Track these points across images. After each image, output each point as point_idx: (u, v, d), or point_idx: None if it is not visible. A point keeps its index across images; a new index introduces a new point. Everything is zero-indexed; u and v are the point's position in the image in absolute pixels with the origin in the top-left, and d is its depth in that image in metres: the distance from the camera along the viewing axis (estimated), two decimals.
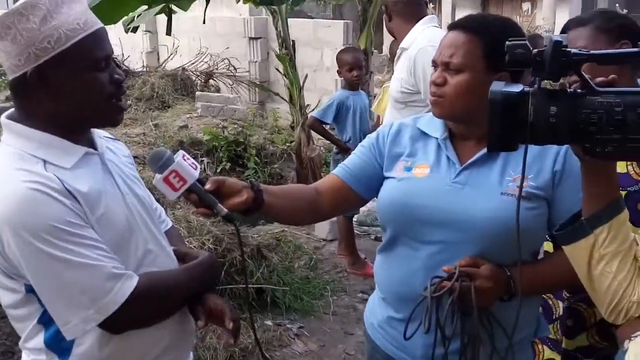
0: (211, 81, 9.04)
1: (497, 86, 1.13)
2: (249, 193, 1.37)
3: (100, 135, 1.42)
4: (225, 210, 1.32)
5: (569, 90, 1.09)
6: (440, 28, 2.71)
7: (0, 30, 1.22)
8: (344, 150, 4.01)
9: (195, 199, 1.31)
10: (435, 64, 1.48)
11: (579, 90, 1.09)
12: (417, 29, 2.66)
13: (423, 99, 2.53)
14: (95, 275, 1.21)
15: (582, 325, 1.71)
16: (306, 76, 5.13)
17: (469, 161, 1.46)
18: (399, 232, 1.52)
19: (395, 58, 2.72)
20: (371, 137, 1.62)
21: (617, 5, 12.10)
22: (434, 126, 1.54)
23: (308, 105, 5.13)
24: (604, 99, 1.06)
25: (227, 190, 1.35)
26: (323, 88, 7.45)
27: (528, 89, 1.11)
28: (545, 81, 1.13)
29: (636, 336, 1.08)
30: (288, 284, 3.72)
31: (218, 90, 8.95)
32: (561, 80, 1.11)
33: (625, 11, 11.57)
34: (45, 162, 1.24)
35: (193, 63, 9.07)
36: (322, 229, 4.73)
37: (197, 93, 8.18)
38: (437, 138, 1.52)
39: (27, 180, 1.19)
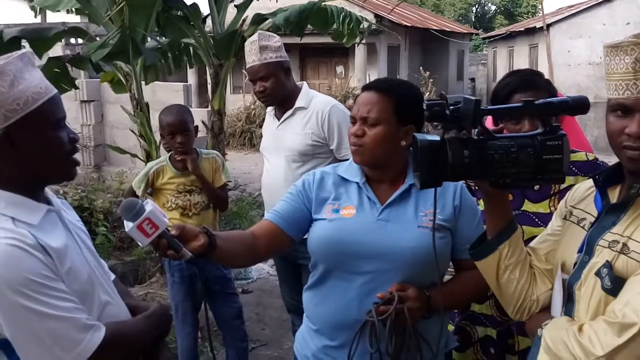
0: None
1: (422, 137, 1.41)
2: (205, 238, 1.50)
3: (51, 193, 1.47)
4: (190, 254, 1.44)
5: (474, 137, 1.41)
6: None
7: None
8: None
9: (165, 244, 1.41)
10: (353, 119, 1.75)
11: (481, 137, 1.41)
12: (308, 91, 2.88)
13: (329, 150, 2.78)
14: (68, 326, 1.27)
15: (469, 341, 2.03)
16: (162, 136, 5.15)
17: (388, 201, 1.73)
18: (332, 267, 1.73)
19: (283, 117, 2.88)
20: (297, 184, 1.83)
21: (420, 67, 13.79)
22: (353, 172, 1.79)
23: None
24: (501, 143, 1.39)
25: (187, 235, 1.47)
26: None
27: (444, 137, 1.40)
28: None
29: (546, 324, 1.38)
30: None
31: None
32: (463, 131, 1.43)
33: (427, 73, 13.22)
34: (13, 219, 1.29)
35: None
36: None
37: None
38: (357, 182, 1.77)
39: (2, 237, 1.24)
